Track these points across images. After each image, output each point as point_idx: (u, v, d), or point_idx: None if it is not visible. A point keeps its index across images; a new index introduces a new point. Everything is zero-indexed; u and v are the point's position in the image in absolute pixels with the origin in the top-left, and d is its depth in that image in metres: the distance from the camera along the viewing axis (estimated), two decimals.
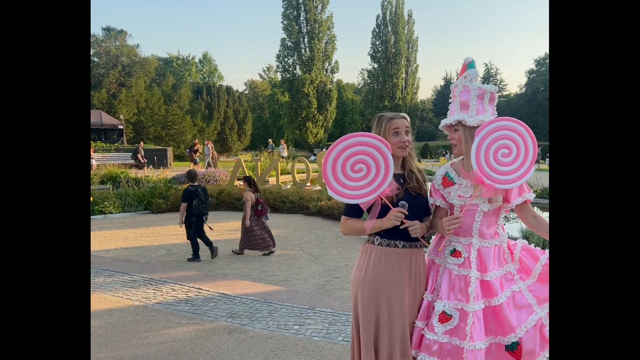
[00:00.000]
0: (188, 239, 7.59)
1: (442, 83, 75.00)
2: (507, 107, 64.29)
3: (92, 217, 11.80)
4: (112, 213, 12.41)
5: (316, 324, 4.55)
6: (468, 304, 2.30)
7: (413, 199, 2.46)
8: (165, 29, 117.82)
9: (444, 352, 2.29)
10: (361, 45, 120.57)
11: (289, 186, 15.66)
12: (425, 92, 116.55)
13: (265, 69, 73.93)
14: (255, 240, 7.76)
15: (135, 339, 4.27)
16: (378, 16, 53.45)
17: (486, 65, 72.70)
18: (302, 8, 46.48)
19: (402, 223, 2.38)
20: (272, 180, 16.54)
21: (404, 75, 53.98)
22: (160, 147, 33.26)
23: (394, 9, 52.83)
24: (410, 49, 54.16)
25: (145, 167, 24.49)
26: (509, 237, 2.60)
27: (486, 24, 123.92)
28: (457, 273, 2.41)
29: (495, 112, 2.50)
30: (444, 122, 2.56)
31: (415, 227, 2.38)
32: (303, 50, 47.05)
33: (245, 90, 72.09)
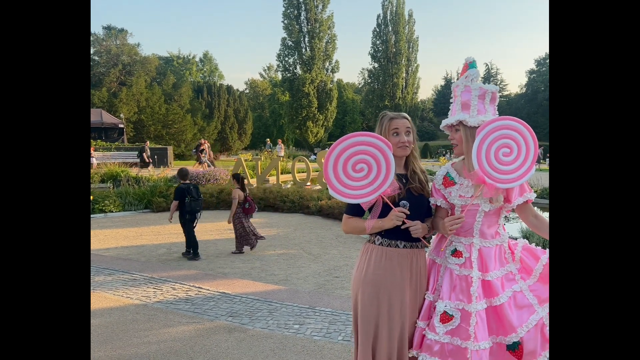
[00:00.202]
0: (187, 236, 7.62)
1: (443, 83, 74.96)
2: (508, 107, 64.22)
3: (92, 215, 11.80)
4: (112, 212, 12.42)
5: (316, 324, 4.55)
6: (470, 304, 2.30)
7: (415, 199, 2.46)
8: (166, 28, 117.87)
9: (445, 352, 2.29)
10: (362, 44, 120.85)
11: (289, 185, 15.66)
12: (425, 91, 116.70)
13: (266, 68, 74.04)
14: (242, 237, 7.86)
15: (135, 338, 4.27)
16: (379, 16, 53.50)
17: (486, 65, 72.67)
18: (303, 7, 46.50)
19: (404, 223, 2.37)
20: (272, 180, 16.53)
21: (404, 74, 54.01)
22: (160, 146, 33.26)
23: (394, 8, 52.84)
24: (410, 49, 54.18)
25: (150, 166, 24.52)
26: (509, 237, 2.60)
27: (486, 24, 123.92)
28: (458, 273, 2.41)
29: (497, 112, 2.49)
30: (445, 122, 2.56)
31: (417, 228, 2.38)
32: (304, 50, 47.06)
33: (245, 89, 72.12)
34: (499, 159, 2.35)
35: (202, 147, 26.12)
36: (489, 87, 2.47)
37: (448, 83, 71.92)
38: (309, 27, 46.87)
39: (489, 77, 70.61)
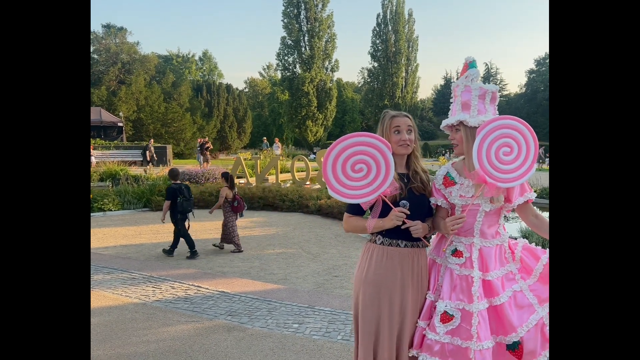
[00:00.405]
0: (181, 237, 7.64)
1: (442, 82, 74.98)
2: (507, 106, 64.21)
3: (91, 214, 11.79)
4: (111, 210, 12.41)
5: (315, 323, 4.55)
6: (471, 304, 2.30)
7: (416, 199, 2.45)
8: (166, 27, 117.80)
9: (446, 352, 2.29)
10: (361, 44, 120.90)
11: (288, 184, 15.66)
12: (425, 91, 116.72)
13: (265, 67, 74.03)
14: (231, 234, 7.93)
15: (134, 337, 4.27)
16: (378, 15, 53.50)
17: (486, 64, 72.68)
18: (303, 6, 46.49)
19: (404, 223, 2.37)
20: (271, 179, 16.53)
21: (404, 74, 54.02)
22: (159, 144, 33.23)
23: (394, 7, 52.84)
24: (410, 48, 54.19)
25: (151, 165, 24.51)
26: (509, 237, 2.60)
27: (486, 24, 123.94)
28: (459, 273, 2.41)
29: (497, 112, 2.49)
30: (445, 122, 2.55)
31: (417, 228, 2.38)
32: (303, 49, 47.06)
33: (245, 88, 72.09)
34: (500, 158, 2.35)
35: (207, 145, 26.18)
36: (489, 87, 2.47)
37: (448, 82, 71.96)
38: (309, 26, 46.86)
39: (488, 77, 70.64)
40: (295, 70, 48.08)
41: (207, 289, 5.71)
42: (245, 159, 18.83)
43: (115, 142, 32.06)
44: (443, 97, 69.16)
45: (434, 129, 59.64)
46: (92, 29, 47.48)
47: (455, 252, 2.45)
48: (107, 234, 9.67)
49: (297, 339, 4.18)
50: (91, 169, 18.85)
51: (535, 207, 2.55)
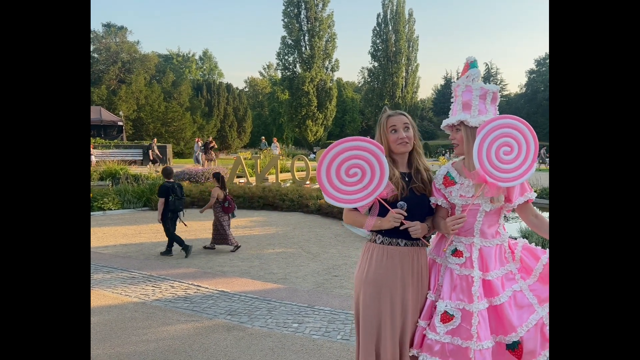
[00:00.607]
0: (167, 235, 7.68)
1: (443, 82, 74.96)
2: (507, 107, 64.19)
3: (91, 213, 11.79)
4: (111, 209, 12.41)
5: (315, 322, 4.55)
6: (472, 304, 2.30)
7: (417, 198, 2.45)
8: (166, 26, 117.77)
9: (446, 352, 2.29)
10: (361, 43, 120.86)
11: (288, 184, 15.66)
12: (425, 91, 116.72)
13: (266, 66, 73.95)
14: (221, 234, 7.98)
15: (133, 336, 4.27)
16: (379, 14, 53.49)
17: (486, 64, 72.65)
18: (303, 6, 46.47)
19: (403, 223, 2.37)
20: (271, 178, 16.52)
21: (404, 74, 54.02)
22: (160, 143, 33.23)
23: (394, 7, 52.83)
24: (410, 48, 54.19)
25: (151, 164, 24.51)
26: (509, 237, 2.60)
27: (487, 24, 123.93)
28: (459, 273, 2.41)
29: (497, 112, 2.49)
30: (445, 122, 2.55)
31: (416, 228, 2.37)
32: (303, 48, 47.05)
33: (245, 87, 72.10)
34: (500, 157, 2.35)
35: (212, 145, 26.21)
36: (490, 87, 2.46)
37: (448, 82, 71.91)
38: (309, 25, 46.84)
39: (488, 77, 70.62)
40: (295, 69, 48.08)
41: (206, 288, 5.71)
42: (245, 159, 18.83)
43: (115, 141, 32.06)
44: (443, 97, 69.14)
45: (434, 129, 59.64)
46: (92, 28, 47.49)
47: (456, 252, 2.45)
48: (107, 233, 9.67)
49: (296, 338, 4.18)
50: (91, 168, 18.86)
51: (535, 207, 2.55)
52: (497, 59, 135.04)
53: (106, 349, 3.97)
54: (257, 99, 70.03)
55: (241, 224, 10.71)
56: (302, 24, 47.00)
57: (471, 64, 2.48)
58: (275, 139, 31.09)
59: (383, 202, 2.37)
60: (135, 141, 34.43)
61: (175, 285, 5.87)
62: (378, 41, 53.67)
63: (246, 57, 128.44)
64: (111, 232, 9.69)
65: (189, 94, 45.59)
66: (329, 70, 48.91)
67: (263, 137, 34.56)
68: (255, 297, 5.33)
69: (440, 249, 2.55)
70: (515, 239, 2.63)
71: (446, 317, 2.33)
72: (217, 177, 8.21)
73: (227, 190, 8.24)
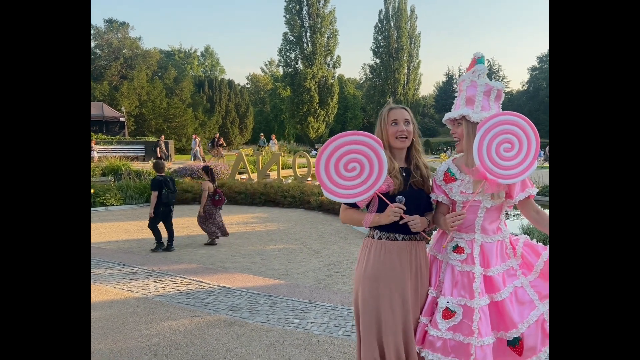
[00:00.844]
0: (149, 227, 7.77)
1: (444, 79, 74.80)
2: (509, 104, 63.94)
3: (93, 209, 11.82)
4: (113, 205, 12.44)
5: (316, 318, 4.56)
6: (473, 300, 2.29)
7: (415, 193, 2.45)
8: (168, 22, 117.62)
9: (448, 348, 2.29)
10: (363, 40, 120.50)
11: (290, 181, 15.66)
12: (427, 88, 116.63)
13: (267, 63, 73.88)
14: (208, 227, 8.11)
15: (135, 331, 4.29)
16: (380, 11, 53.35)
17: (489, 61, 72.42)
18: (305, 2, 46.38)
19: (402, 218, 2.37)
20: (273, 175, 16.53)
21: (406, 70, 53.92)
22: (157, 140, 33.23)
23: (396, 3, 52.69)
24: (412, 44, 54.07)
25: (152, 159, 24.51)
26: (510, 233, 2.59)
27: (489, 20, 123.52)
28: (460, 269, 2.41)
29: (500, 111, 2.48)
30: (447, 115, 2.54)
31: (415, 222, 2.37)
32: (305, 45, 46.99)
33: (247, 84, 71.99)
34: (500, 154, 2.33)
35: (220, 142, 26.22)
36: (495, 85, 2.46)
37: (450, 79, 71.81)
38: (311, 22, 46.75)
39: (491, 74, 69.67)
40: (297, 66, 48.02)
41: (208, 283, 5.73)
42: (246, 155, 18.84)
43: (117, 137, 32.06)
44: (445, 93, 68.99)
45: (435, 126, 59.55)
46: (94, 24, 47.54)
47: (457, 248, 2.45)
48: (109, 228, 9.69)
49: (298, 334, 4.20)
50: (93, 164, 18.90)
51: (536, 204, 2.54)
52: (500, 56, 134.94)
53: (108, 344, 3.99)
54: (259, 95, 69.96)
55: (243, 220, 10.73)
56: (304, 20, 46.90)
57: (478, 60, 2.48)
58: (273, 136, 31.02)
59: (382, 196, 2.37)
60: (137, 137, 34.43)
61: (177, 280, 5.88)
62: (380, 37, 53.56)
63: (248, 53, 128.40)
64: (113, 228, 9.71)
65: (190, 90, 45.57)
66: (330, 66, 48.84)
67: (262, 134, 34.48)
68: (257, 293, 5.35)
69: (441, 246, 2.55)
70: (517, 235, 2.62)
71: (448, 314, 2.33)
72: (207, 170, 8.31)
73: (217, 184, 8.37)
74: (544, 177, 12.95)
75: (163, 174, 7.94)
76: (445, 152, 39.57)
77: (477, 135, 2.33)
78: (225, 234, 8.22)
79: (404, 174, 2.46)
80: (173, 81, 46.11)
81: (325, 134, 49.84)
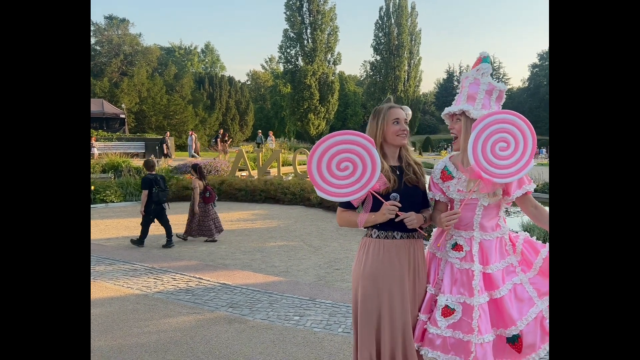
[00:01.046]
0: (141, 224, 7.81)
1: (445, 76, 74.76)
2: (510, 101, 63.99)
3: (93, 205, 11.82)
4: (113, 202, 12.45)
5: (316, 315, 4.56)
6: (472, 298, 2.29)
7: (409, 190, 2.45)
8: (168, 19, 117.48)
9: (448, 346, 2.28)
10: (364, 37, 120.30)
11: (290, 177, 15.66)
12: (427, 85, 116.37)
13: (268, 60, 73.77)
14: (201, 227, 8.14)
15: (135, 328, 4.29)
16: (381, 8, 53.27)
17: (487, 54, 72.28)
18: None
19: (397, 215, 2.37)
20: (273, 172, 16.53)
21: (406, 67, 53.85)
22: (162, 136, 33.22)
23: (397, 0, 52.56)
24: (413, 42, 53.99)
25: (163, 157, 24.49)
26: (510, 231, 2.59)
27: (489, 18, 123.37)
28: (459, 267, 2.40)
29: None
30: (447, 109, 2.52)
31: (411, 219, 2.37)
32: (305, 42, 46.91)
33: (247, 81, 71.95)
34: (496, 153, 2.31)
35: (226, 137, 26.18)
36: (498, 85, 2.45)
37: (450, 77, 71.79)
38: (311, 18, 46.66)
39: (492, 68, 70.34)
40: (297, 63, 47.96)
41: (208, 280, 5.73)
42: (247, 152, 18.83)
43: (118, 133, 32.04)
44: (445, 91, 69.02)
45: (436, 123, 59.57)
46: (94, 21, 47.42)
47: (456, 246, 2.45)
48: (109, 225, 9.69)
49: (298, 331, 4.20)
50: (93, 161, 18.89)
51: (534, 199, 2.52)
52: (500, 53, 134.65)
53: (108, 341, 3.99)
54: (259, 92, 69.94)
55: (243, 217, 10.73)
56: (305, 16, 46.81)
57: (484, 59, 2.48)
58: (271, 133, 30.92)
59: (376, 194, 2.37)
60: (138, 134, 34.42)
61: (177, 277, 5.89)
62: (380, 34, 53.49)
63: (248, 50, 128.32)
64: (113, 225, 9.72)
65: (191, 87, 45.55)
66: (331, 63, 48.77)
67: (259, 131, 34.40)
68: (257, 290, 5.35)
69: (439, 244, 2.54)
70: (517, 233, 2.62)
71: (447, 311, 2.33)
72: (195, 168, 8.36)
73: (207, 181, 8.42)
74: (545, 174, 12.95)
75: (153, 172, 7.97)
76: (445, 149, 39.57)
77: (472, 134, 2.31)
78: (210, 234, 8.22)
79: (397, 172, 2.46)
80: (173, 78, 46.08)
81: (326, 131, 49.76)
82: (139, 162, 19.24)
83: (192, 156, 25.78)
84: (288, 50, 48.19)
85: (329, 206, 11.35)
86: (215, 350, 3.83)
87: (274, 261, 6.84)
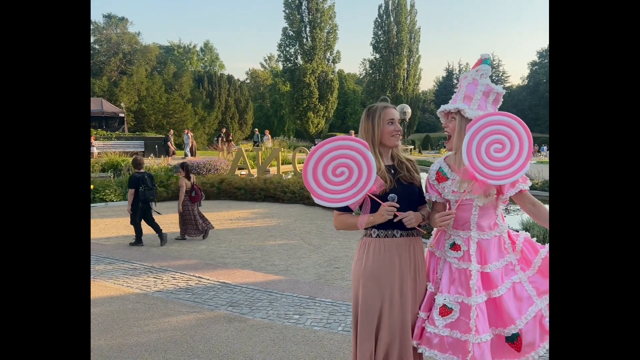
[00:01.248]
0: (131, 223, 7.81)
1: (444, 74, 74.74)
2: (510, 99, 64.02)
3: (93, 204, 11.82)
4: (113, 201, 12.44)
5: (316, 314, 4.56)
6: (470, 297, 2.29)
7: (405, 189, 2.45)
8: (167, 17, 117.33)
9: (445, 345, 2.29)
10: (363, 35, 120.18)
11: (289, 176, 15.65)
12: (427, 83, 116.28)
13: (267, 58, 73.71)
14: (192, 226, 8.21)
15: (135, 327, 4.29)
16: (380, 6, 53.19)
17: (489, 55, 72.27)
18: None
19: (396, 216, 2.37)
20: (273, 170, 16.53)
21: (405, 65, 53.78)
22: (161, 135, 33.19)
23: None
24: (412, 40, 53.92)
25: (166, 155, 24.44)
26: (510, 229, 2.58)
27: (489, 15, 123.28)
28: (457, 266, 2.40)
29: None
30: (443, 107, 2.51)
31: (410, 218, 2.37)
32: (305, 40, 46.88)
33: (246, 79, 71.95)
34: (490, 155, 2.29)
35: (230, 137, 26.12)
36: (496, 88, 2.45)
37: (450, 74, 71.76)
38: (310, 16, 46.61)
39: (491, 68, 70.31)
40: (296, 61, 47.93)
41: (208, 279, 5.73)
42: (246, 151, 18.83)
43: (117, 132, 32.02)
44: (445, 89, 69.01)
45: (435, 121, 59.49)
46: (93, 19, 47.34)
47: (454, 246, 2.45)
48: (109, 224, 9.69)
49: (297, 330, 4.20)
50: (93, 160, 18.89)
51: (532, 196, 2.50)
52: (500, 51, 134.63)
53: (108, 340, 4.00)
54: (259, 90, 69.90)
55: (242, 215, 10.73)
56: (304, 15, 46.76)
57: (484, 60, 2.48)
58: (267, 131, 30.86)
59: (374, 197, 2.37)
60: (137, 133, 34.39)
61: (176, 276, 5.89)
62: (380, 32, 53.41)
63: (247, 48, 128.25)
64: (113, 224, 9.71)
65: (190, 86, 45.50)
66: (330, 61, 48.74)
67: (256, 130, 34.34)
68: (257, 289, 5.35)
69: (439, 243, 2.54)
70: (518, 231, 2.61)
71: (445, 311, 2.33)
72: (183, 167, 8.42)
73: (194, 180, 8.50)
74: (544, 172, 12.96)
75: (141, 171, 7.96)
76: (445, 147, 39.57)
77: (466, 134, 2.29)
78: (203, 233, 8.24)
79: (392, 172, 2.47)
80: (172, 76, 46.02)
81: (325, 130, 49.82)
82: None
83: (186, 155, 25.75)
84: (287, 49, 48.16)
85: None
86: (215, 349, 3.83)
87: (273, 260, 6.84)
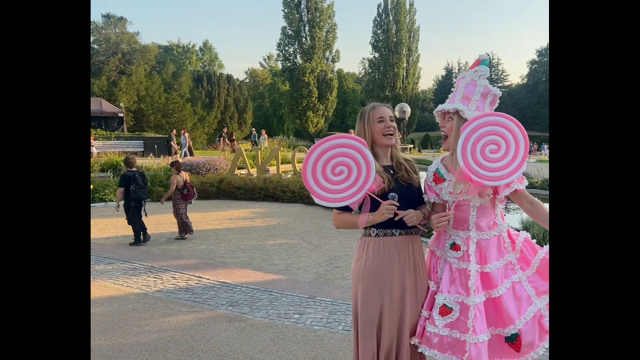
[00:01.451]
0: (129, 224, 7.84)
1: (444, 73, 74.73)
2: (509, 97, 64.08)
3: (92, 204, 11.82)
4: (112, 201, 12.43)
5: (316, 313, 4.56)
6: (469, 297, 2.29)
7: (404, 188, 2.45)
8: (166, 17, 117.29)
9: (445, 345, 2.28)
10: (362, 34, 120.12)
11: (289, 175, 15.66)
12: (426, 82, 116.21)
13: (266, 57, 73.72)
14: (179, 221, 8.27)
15: (135, 327, 4.29)
16: (379, 5, 53.22)
17: (488, 55, 72.23)
18: None
19: (396, 214, 2.36)
20: (272, 170, 16.53)
21: (405, 64, 53.83)
22: (160, 135, 33.18)
23: None
24: (411, 38, 53.96)
25: (168, 155, 24.40)
26: (509, 227, 2.58)
27: (488, 14, 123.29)
28: (457, 266, 2.40)
29: None
30: (440, 107, 2.51)
31: (410, 216, 2.37)
32: (304, 39, 46.90)
33: (245, 79, 71.93)
34: (486, 155, 2.29)
35: (233, 137, 26.09)
36: (494, 90, 2.44)
37: (449, 73, 71.75)
38: (309, 16, 46.63)
39: (490, 68, 70.35)
40: (295, 60, 47.96)
41: (208, 279, 5.73)
42: (246, 150, 18.83)
43: (116, 132, 32.00)
44: (444, 88, 68.95)
45: (435, 121, 59.38)
46: (92, 19, 47.25)
47: (454, 246, 2.45)
48: (109, 224, 9.69)
49: (298, 329, 4.20)
50: (92, 160, 18.88)
51: (530, 195, 2.50)
52: (499, 50, 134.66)
53: (108, 340, 3.99)
54: (258, 90, 69.91)
55: (242, 215, 10.73)
56: (303, 14, 46.78)
57: (482, 61, 2.47)
58: (263, 131, 30.81)
59: (374, 195, 2.36)
60: (136, 132, 34.38)
61: (176, 276, 5.89)
62: (379, 31, 53.44)
63: (246, 48, 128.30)
64: (113, 223, 9.71)
65: (189, 85, 45.50)
66: (329, 61, 48.77)
67: (253, 129, 34.29)
68: (257, 288, 5.35)
69: (439, 243, 2.54)
70: (518, 230, 2.61)
71: (445, 310, 2.32)
72: (174, 165, 8.50)
73: (187, 178, 8.54)
74: (544, 171, 12.96)
75: (133, 170, 7.97)
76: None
77: (461, 135, 2.29)
78: (188, 231, 8.26)
79: (390, 172, 2.46)
80: (171, 76, 46.03)
81: (325, 129, 49.84)
82: (137, 161, 19.24)
83: (185, 155, 25.73)
84: (286, 48, 48.18)
85: None
86: (215, 348, 3.83)
87: (273, 259, 6.84)
